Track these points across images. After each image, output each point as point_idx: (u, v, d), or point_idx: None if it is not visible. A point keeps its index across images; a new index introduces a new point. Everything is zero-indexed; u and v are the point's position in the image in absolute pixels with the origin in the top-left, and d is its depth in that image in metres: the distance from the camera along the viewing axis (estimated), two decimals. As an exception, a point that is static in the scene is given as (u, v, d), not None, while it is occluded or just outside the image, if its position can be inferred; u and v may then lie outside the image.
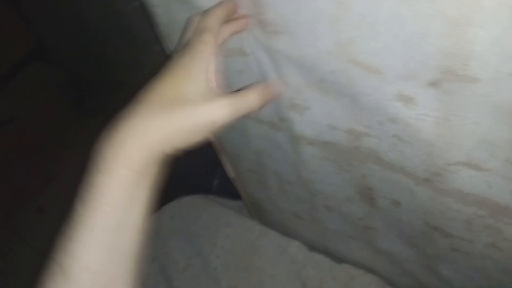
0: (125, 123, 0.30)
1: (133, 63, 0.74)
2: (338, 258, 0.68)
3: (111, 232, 0.29)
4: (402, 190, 0.42)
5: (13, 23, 1.46)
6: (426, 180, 0.40)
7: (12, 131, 1.52)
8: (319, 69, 0.36)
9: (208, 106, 0.30)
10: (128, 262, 0.31)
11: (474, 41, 0.27)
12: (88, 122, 1.70)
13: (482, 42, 0.27)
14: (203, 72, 0.31)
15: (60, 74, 1.50)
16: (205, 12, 0.35)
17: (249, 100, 0.34)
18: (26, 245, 1.58)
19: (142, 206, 0.30)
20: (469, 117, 0.32)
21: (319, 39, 0.33)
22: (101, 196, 0.28)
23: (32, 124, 1.58)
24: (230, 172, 0.65)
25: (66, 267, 0.29)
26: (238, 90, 0.34)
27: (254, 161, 0.57)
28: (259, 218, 0.76)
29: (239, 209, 0.82)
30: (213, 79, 0.33)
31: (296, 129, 0.45)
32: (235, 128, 0.52)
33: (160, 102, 0.30)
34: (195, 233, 0.80)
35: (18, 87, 1.50)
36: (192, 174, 0.91)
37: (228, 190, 0.80)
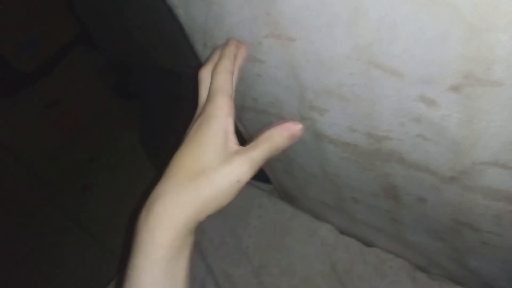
0: (158, 204, 0.31)
1: (173, 49, 0.76)
2: (368, 242, 0.68)
3: None
4: (428, 188, 0.42)
5: (59, 9, 1.52)
6: (452, 178, 0.39)
7: (58, 112, 1.62)
8: (338, 72, 0.35)
9: (228, 168, 0.30)
10: None
11: (496, 46, 0.26)
12: (129, 105, 1.77)
13: (505, 47, 0.26)
14: (221, 137, 0.32)
15: (103, 59, 1.56)
16: (215, 70, 0.35)
17: (264, 149, 0.33)
18: (71, 221, 1.70)
19: (182, 275, 0.32)
20: (494, 120, 0.31)
21: (337, 43, 0.33)
22: (144, 277, 0.30)
23: (77, 106, 1.66)
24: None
25: None
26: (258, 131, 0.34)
27: (281, 154, 0.57)
28: (290, 203, 0.77)
29: (271, 191, 0.83)
30: (231, 138, 0.33)
31: (318, 127, 0.45)
32: (261, 122, 0.53)
33: (186, 176, 0.31)
34: (228, 212, 0.83)
35: (64, 71, 1.57)
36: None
37: (261, 173, 0.82)
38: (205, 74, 0.36)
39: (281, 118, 0.50)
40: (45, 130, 1.63)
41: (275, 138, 0.34)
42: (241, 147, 0.33)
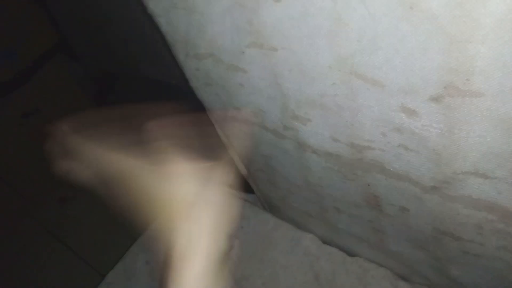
0: None
1: (155, 58, 0.75)
2: (351, 252, 0.68)
3: None
4: (410, 197, 0.42)
5: (38, 17, 1.49)
6: (433, 188, 0.39)
7: (36, 122, 1.57)
8: (320, 82, 0.35)
9: None
10: None
11: (476, 57, 0.26)
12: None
13: (484, 58, 0.26)
14: None
15: (83, 68, 1.53)
16: None
17: None
18: (49, 235, 1.65)
19: None
20: (474, 130, 0.31)
21: (319, 53, 0.33)
22: None
23: (56, 115, 1.63)
24: (242, 170, 0.66)
25: None
26: None
27: (264, 164, 0.57)
28: (272, 213, 0.77)
29: (254, 202, 0.83)
30: None
31: (301, 137, 0.45)
32: (243, 132, 0.52)
33: None
34: (211, 224, 0.82)
35: (42, 80, 1.53)
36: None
37: (244, 184, 0.81)
38: None
39: (264, 128, 0.50)
40: (22, 140, 1.58)
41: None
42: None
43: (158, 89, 0.85)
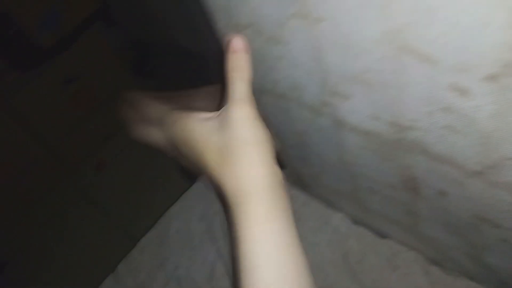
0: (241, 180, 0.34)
1: (194, 29, 0.75)
2: (381, 233, 0.67)
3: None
4: (450, 181, 0.40)
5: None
6: (477, 173, 0.38)
7: (75, 89, 1.63)
8: (366, 57, 0.34)
9: (237, 116, 0.34)
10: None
11: (542, 35, 0.25)
12: (146, 84, 1.77)
13: (550, 36, 0.24)
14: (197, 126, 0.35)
15: (122, 36, 1.55)
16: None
17: (239, 80, 0.35)
18: (85, 199, 1.73)
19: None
20: (530, 114, 0.29)
21: (368, 26, 0.31)
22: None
23: (94, 83, 1.67)
24: (277, 144, 0.66)
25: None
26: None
27: (298, 140, 0.57)
28: (303, 189, 0.77)
29: (285, 177, 0.83)
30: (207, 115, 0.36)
31: (339, 115, 0.44)
32: (279, 106, 0.52)
33: (222, 155, 0.34)
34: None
35: (82, 47, 1.57)
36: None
37: (275, 159, 0.81)
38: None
39: (301, 104, 0.49)
40: (62, 106, 1.64)
41: (236, 64, 0.35)
42: (221, 111, 0.36)
43: (196, 61, 0.85)
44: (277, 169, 0.34)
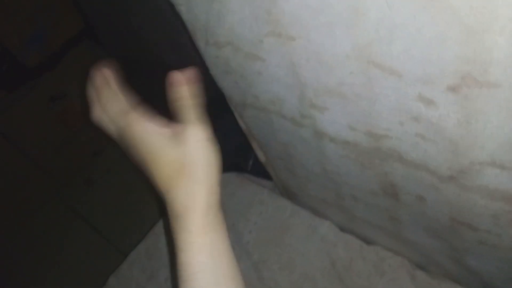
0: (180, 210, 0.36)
1: (177, 46, 0.76)
2: (368, 240, 0.69)
3: None
4: (426, 187, 0.42)
5: (64, 3, 1.53)
6: (450, 178, 0.39)
7: (62, 106, 1.62)
8: (338, 71, 0.36)
9: (193, 139, 0.36)
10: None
11: (493, 48, 0.26)
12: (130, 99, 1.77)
13: (501, 49, 0.26)
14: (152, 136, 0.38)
15: (107, 54, 1.56)
16: None
17: (188, 109, 0.37)
18: (74, 214, 1.71)
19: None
20: (491, 121, 0.31)
21: (337, 42, 0.33)
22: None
23: (82, 99, 1.67)
24: (261, 157, 0.67)
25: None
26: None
27: (282, 151, 0.58)
28: (290, 199, 0.78)
29: (272, 188, 0.84)
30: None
31: (318, 126, 0.46)
32: (262, 119, 0.53)
33: (173, 177, 0.36)
34: (229, 208, 0.83)
35: (69, 65, 1.57)
36: (228, 153, 0.94)
37: (262, 170, 0.82)
38: None
39: (282, 116, 0.51)
40: (50, 124, 1.64)
41: (182, 95, 0.37)
42: (177, 128, 0.37)
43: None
44: (217, 189, 0.36)
